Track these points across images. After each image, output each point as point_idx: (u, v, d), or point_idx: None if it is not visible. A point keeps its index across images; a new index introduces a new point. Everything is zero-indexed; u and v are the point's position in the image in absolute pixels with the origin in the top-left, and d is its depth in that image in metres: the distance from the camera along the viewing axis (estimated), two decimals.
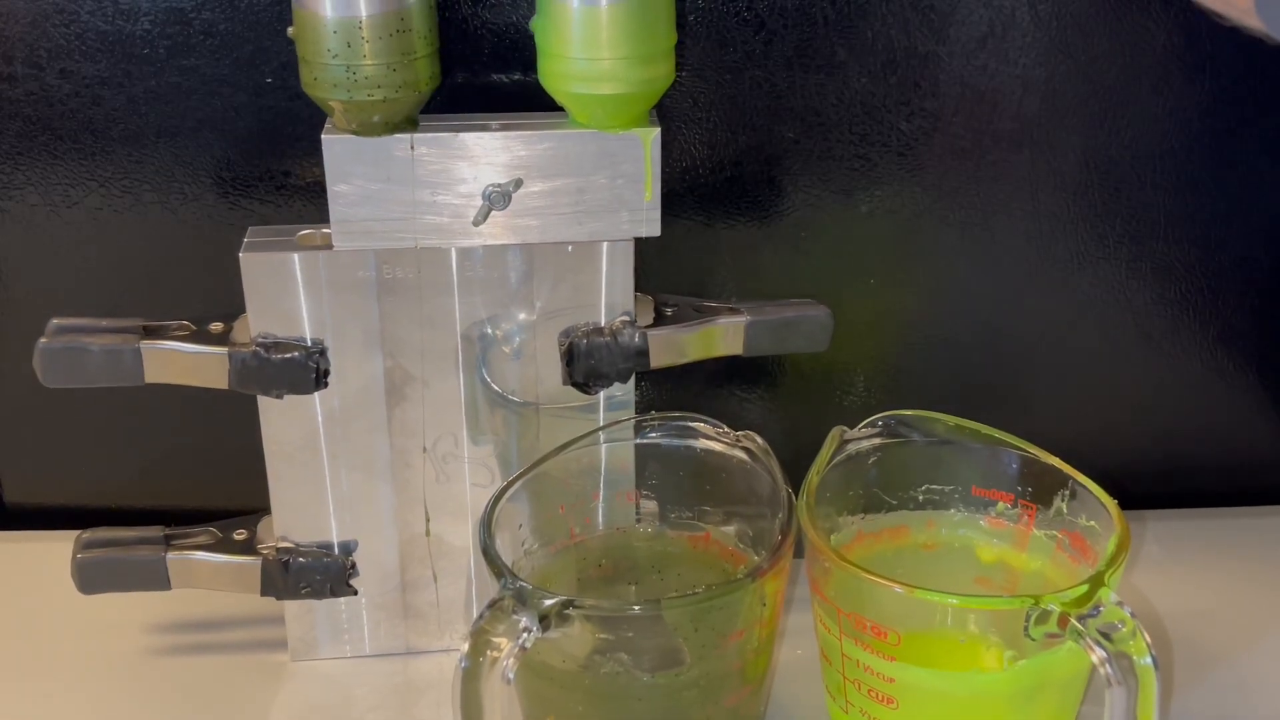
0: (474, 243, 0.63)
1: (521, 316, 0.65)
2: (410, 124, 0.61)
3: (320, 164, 0.61)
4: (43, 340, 0.62)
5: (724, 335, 0.67)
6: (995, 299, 0.78)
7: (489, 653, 0.54)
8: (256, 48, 0.69)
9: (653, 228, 0.64)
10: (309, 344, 0.64)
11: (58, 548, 0.69)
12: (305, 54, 0.59)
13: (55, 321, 0.63)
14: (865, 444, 0.66)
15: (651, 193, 0.63)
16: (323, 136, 0.61)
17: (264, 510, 0.68)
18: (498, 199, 0.61)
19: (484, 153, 0.61)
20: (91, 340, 0.62)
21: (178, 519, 0.70)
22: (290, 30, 0.60)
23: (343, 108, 0.60)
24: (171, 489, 0.80)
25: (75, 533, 0.68)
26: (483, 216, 0.61)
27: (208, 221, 0.73)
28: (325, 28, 0.58)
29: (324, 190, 0.61)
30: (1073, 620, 0.55)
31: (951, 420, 0.66)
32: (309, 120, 0.64)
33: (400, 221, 0.62)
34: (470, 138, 0.61)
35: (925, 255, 0.76)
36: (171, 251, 0.74)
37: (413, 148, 0.61)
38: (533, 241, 0.63)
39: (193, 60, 0.69)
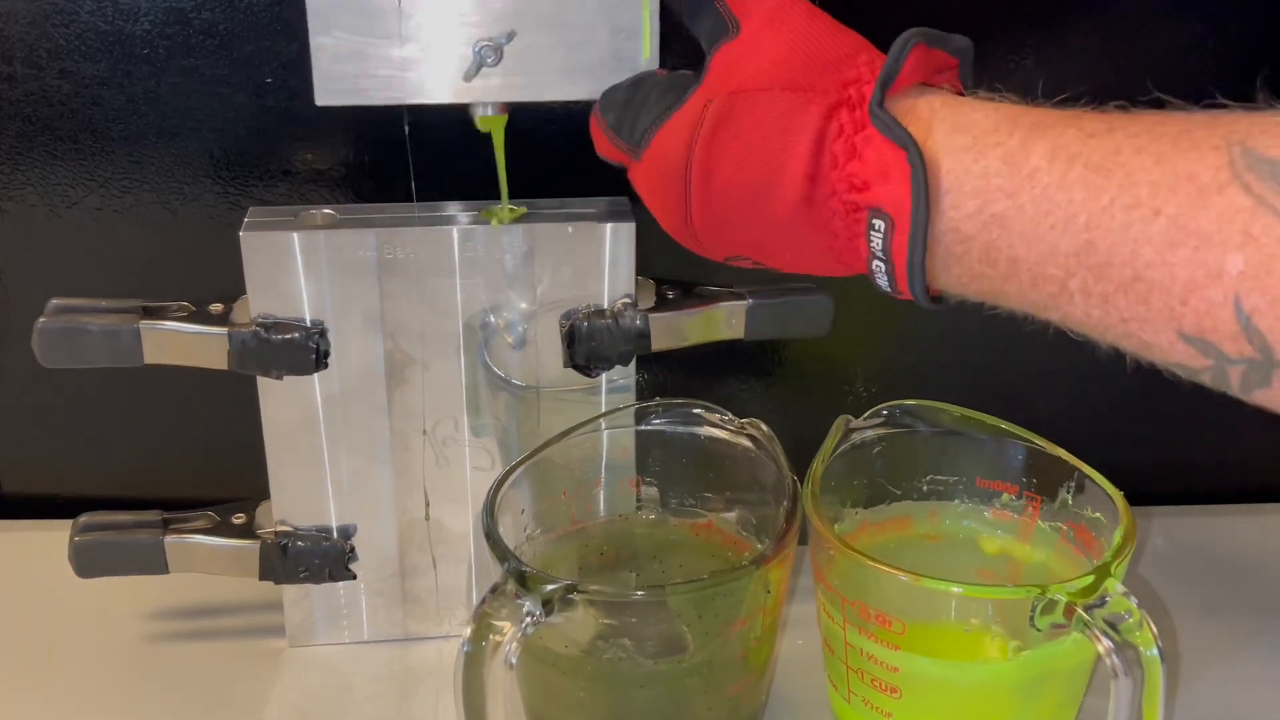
0: (464, 100, 0.60)
1: (523, 298, 0.65)
2: None
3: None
4: (42, 319, 0.62)
5: (725, 318, 0.67)
6: None
7: (491, 637, 0.54)
8: (256, 48, 0.69)
9: None
10: (309, 324, 0.63)
11: (55, 537, 0.68)
12: None
13: (55, 301, 0.63)
14: (870, 433, 0.65)
15: (650, 49, 0.61)
16: None
17: (262, 498, 0.67)
18: (488, 53, 0.59)
19: (475, 4, 0.58)
20: (90, 320, 0.62)
21: (175, 508, 0.69)
22: None
23: None
24: (169, 478, 0.80)
25: (73, 521, 0.67)
26: (474, 71, 0.59)
27: (207, 221, 0.73)
28: None
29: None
30: (1079, 610, 0.54)
31: (957, 410, 0.65)
32: (309, 120, 0.64)
33: (386, 79, 0.59)
34: None
35: None
36: (171, 252, 0.73)
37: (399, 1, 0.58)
38: (524, 100, 0.60)
39: (193, 60, 0.69)
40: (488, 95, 0.60)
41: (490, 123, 0.62)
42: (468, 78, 0.59)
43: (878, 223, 0.51)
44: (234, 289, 0.63)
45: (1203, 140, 0.45)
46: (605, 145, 0.59)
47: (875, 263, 0.52)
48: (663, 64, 0.62)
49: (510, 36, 0.59)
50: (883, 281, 0.53)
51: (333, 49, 0.58)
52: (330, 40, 0.58)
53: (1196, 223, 0.44)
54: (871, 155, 0.50)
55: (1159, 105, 0.49)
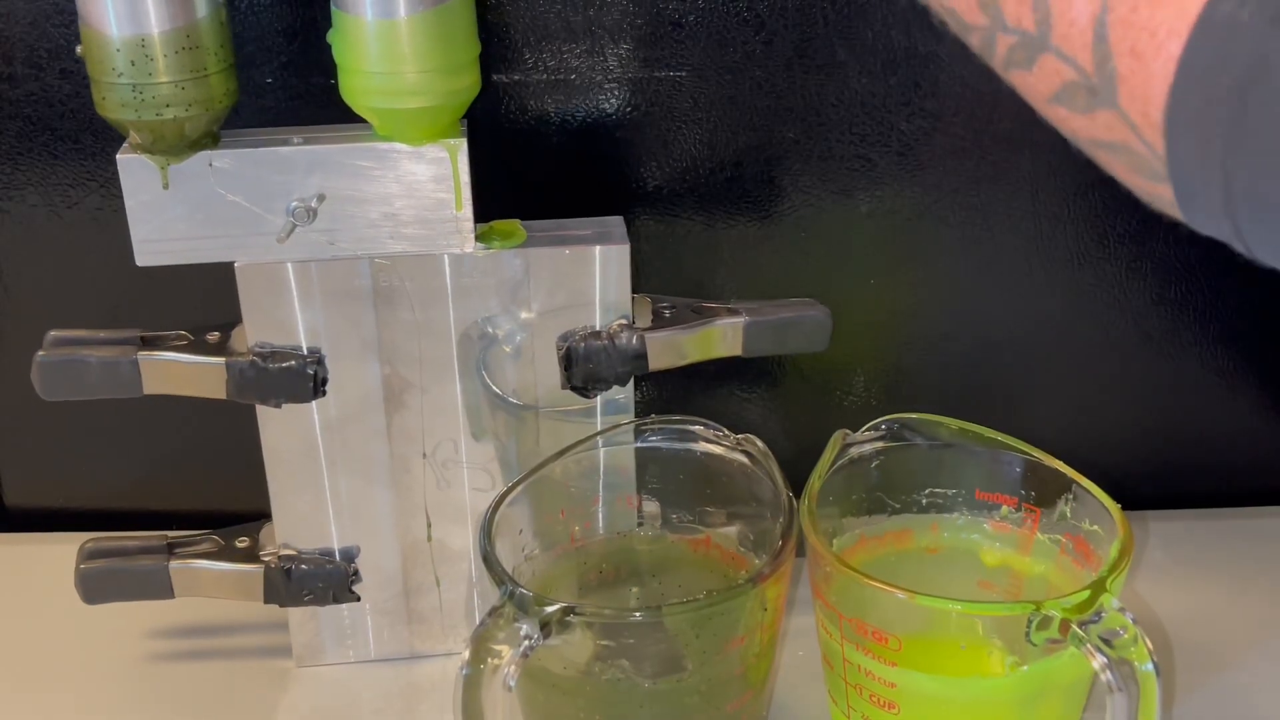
0: (280, 258, 0.62)
1: (519, 321, 0.65)
2: (211, 139, 0.60)
3: None
4: (41, 353, 0.62)
5: (723, 336, 0.67)
6: (995, 299, 0.78)
7: (490, 660, 0.54)
8: (257, 48, 0.69)
9: (466, 240, 0.62)
10: (306, 352, 0.64)
11: (59, 550, 0.69)
12: (93, 73, 0.58)
13: (53, 334, 0.63)
14: (868, 447, 0.65)
15: (462, 204, 0.62)
16: (118, 157, 0.59)
17: (265, 512, 0.68)
18: (301, 215, 0.60)
19: (285, 168, 0.60)
20: (89, 352, 0.62)
21: (178, 521, 0.70)
22: (79, 49, 0.58)
23: (133, 127, 0.58)
24: (172, 491, 0.80)
25: (77, 535, 0.68)
26: (286, 233, 0.60)
27: None
28: (110, 46, 0.56)
29: None
30: (1074, 626, 0.54)
31: (955, 424, 0.65)
32: (309, 121, 0.64)
33: (204, 240, 0.61)
34: (268, 153, 0.60)
35: (925, 255, 0.76)
36: None
37: (211, 164, 0.60)
38: (343, 256, 0.62)
39: None
40: (303, 254, 0.62)
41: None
42: (281, 240, 0.61)
43: None
44: (234, 286, 0.63)
45: None
46: None
47: None
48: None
49: (320, 199, 0.60)
50: None
51: (149, 214, 0.60)
52: (147, 206, 0.60)
53: None
54: None
55: None
